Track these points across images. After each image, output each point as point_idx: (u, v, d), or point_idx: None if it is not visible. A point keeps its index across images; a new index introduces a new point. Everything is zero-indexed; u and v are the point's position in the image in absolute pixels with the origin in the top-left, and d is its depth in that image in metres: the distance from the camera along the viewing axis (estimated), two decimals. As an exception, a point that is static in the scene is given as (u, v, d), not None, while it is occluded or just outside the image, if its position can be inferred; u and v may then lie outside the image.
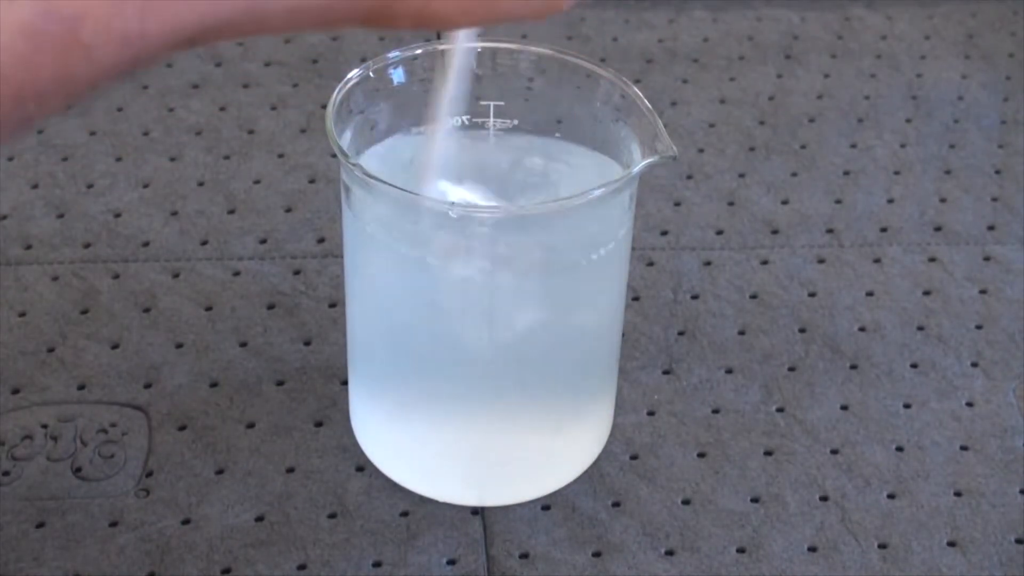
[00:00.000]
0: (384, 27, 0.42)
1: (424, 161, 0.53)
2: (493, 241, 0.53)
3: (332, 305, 0.69)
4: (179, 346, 0.67)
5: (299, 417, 0.64)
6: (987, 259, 0.74)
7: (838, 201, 0.77)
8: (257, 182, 0.77)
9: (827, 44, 0.89)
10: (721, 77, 0.86)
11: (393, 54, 0.58)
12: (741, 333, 0.69)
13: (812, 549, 0.59)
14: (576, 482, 0.61)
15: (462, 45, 0.52)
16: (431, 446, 0.60)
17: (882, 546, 0.60)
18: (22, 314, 0.68)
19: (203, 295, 0.69)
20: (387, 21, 0.42)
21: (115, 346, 0.67)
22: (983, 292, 0.72)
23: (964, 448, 0.64)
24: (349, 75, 0.57)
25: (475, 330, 0.56)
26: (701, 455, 0.63)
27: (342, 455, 0.62)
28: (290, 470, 0.61)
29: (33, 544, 0.58)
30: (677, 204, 0.76)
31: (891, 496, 0.62)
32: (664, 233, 0.74)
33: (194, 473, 0.61)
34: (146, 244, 0.72)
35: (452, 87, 0.53)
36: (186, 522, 0.59)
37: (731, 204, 0.77)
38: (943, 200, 0.78)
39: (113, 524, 0.59)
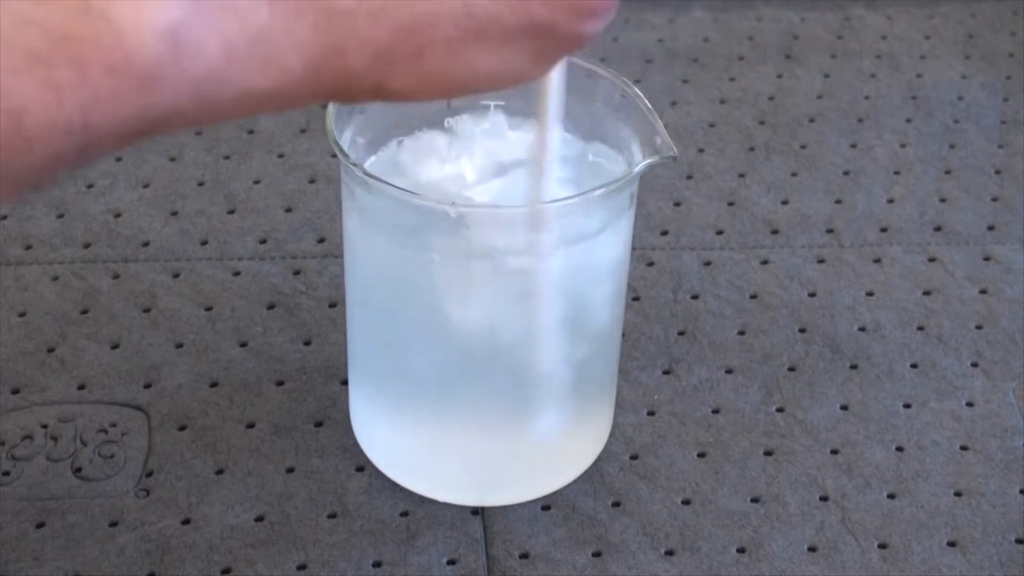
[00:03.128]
0: (341, 101, 0.42)
1: (537, 176, 0.53)
2: (493, 241, 0.53)
3: (332, 305, 0.69)
4: (179, 346, 0.67)
5: (299, 417, 0.64)
6: (987, 259, 0.74)
7: (838, 201, 0.77)
8: (257, 182, 0.77)
9: (827, 44, 0.89)
10: (721, 77, 0.86)
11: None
12: (741, 333, 0.69)
13: (812, 549, 0.59)
14: (576, 482, 0.61)
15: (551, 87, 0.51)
16: (431, 446, 0.60)
17: (882, 546, 0.60)
18: (22, 314, 0.68)
19: (203, 295, 0.69)
20: (344, 96, 0.42)
21: (115, 346, 0.67)
22: (983, 292, 0.72)
23: (964, 448, 0.64)
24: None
25: (475, 330, 0.56)
26: (701, 455, 0.63)
27: (342, 455, 0.62)
28: (290, 470, 0.61)
29: (33, 544, 0.58)
30: (677, 204, 0.76)
31: (891, 496, 0.62)
32: (664, 233, 0.74)
33: (194, 473, 0.61)
34: (146, 244, 0.72)
35: (553, 109, 0.52)
36: (186, 522, 0.59)
37: (731, 204, 0.77)
38: (943, 200, 0.78)
39: (113, 524, 0.59)
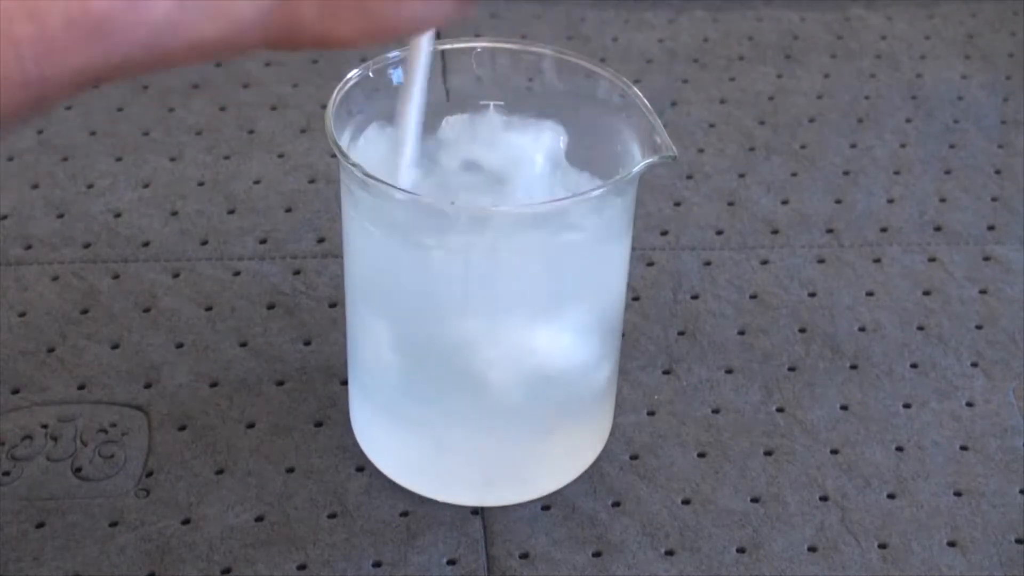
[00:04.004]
0: (286, 49, 0.43)
1: (399, 157, 0.54)
2: (493, 240, 0.53)
3: (332, 305, 0.69)
4: (179, 346, 0.67)
5: (299, 417, 0.64)
6: (987, 259, 0.74)
7: (838, 201, 0.77)
8: (257, 182, 0.77)
9: (827, 44, 0.89)
10: (721, 77, 0.86)
11: (393, 54, 0.58)
12: (741, 333, 0.69)
13: (812, 549, 0.59)
14: (576, 482, 0.61)
15: (421, 48, 0.53)
16: (431, 446, 0.60)
17: (882, 546, 0.60)
18: (22, 314, 0.68)
19: (203, 295, 0.69)
20: (290, 45, 0.43)
21: (115, 346, 0.67)
22: (983, 292, 0.72)
23: (964, 448, 0.64)
24: (349, 75, 0.57)
25: (475, 329, 0.56)
26: (701, 455, 0.63)
27: (342, 455, 0.62)
28: (290, 470, 0.61)
29: (33, 544, 0.58)
30: (677, 204, 0.76)
31: (891, 496, 0.62)
32: (664, 233, 0.74)
33: (194, 473, 0.61)
34: (146, 244, 0.72)
35: (417, 86, 0.53)
36: (186, 522, 0.59)
37: (731, 204, 0.77)
38: (943, 200, 0.78)
39: (113, 524, 0.59)
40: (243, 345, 0.67)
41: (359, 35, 0.44)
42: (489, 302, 0.55)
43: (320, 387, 0.65)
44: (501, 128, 0.58)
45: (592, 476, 0.62)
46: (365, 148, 0.56)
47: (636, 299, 0.70)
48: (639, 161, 0.55)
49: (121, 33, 0.37)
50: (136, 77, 0.44)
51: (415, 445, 0.60)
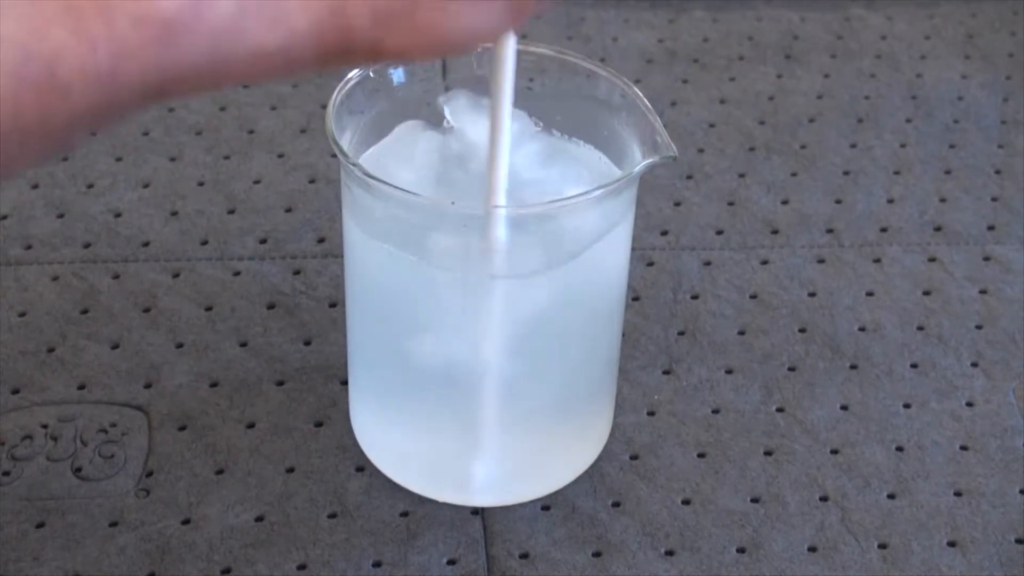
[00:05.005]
0: (341, 65, 0.44)
1: (493, 176, 0.53)
2: (492, 240, 0.53)
3: (332, 305, 0.69)
4: (179, 346, 0.67)
5: (299, 417, 0.64)
6: (987, 259, 0.74)
7: (838, 201, 0.77)
8: (257, 182, 0.77)
9: (827, 44, 0.89)
10: (721, 77, 0.86)
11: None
12: (741, 333, 0.69)
13: (812, 549, 0.59)
14: (576, 482, 0.61)
15: (505, 53, 0.52)
16: (431, 446, 0.60)
17: (882, 546, 0.60)
18: (22, 314, 0.68)
19: (203, 295, 0.69)
20: (344, 58, 0.44)
21: (115, 346, 0.67)
22: (983, 292, 0.72)
23: (964, 448, 0.64)
24: (349, 75, 0.57)
25: (475, 330, 0.56)
26: (701, 455, 0.63)
27: (342, 455, 0.62)
28: (290, 470, 0.61)
29: (33, 544, 0.58)
30: (677, 204, 0.76)
31: (891, 496, 0.62)
32: (664, 233, 0.74)
33: (194, 473, 0.61)
34: (146, 244, 0.72)
35: (505, 93, 0.53)
36: (186, 522, 0.59)
37: (731, 204, 0.77)
38: (943, 200, 0.78)
39: (113, 524, 0.59)
40: (243, 345, 0.67)
41: (410, 47, 0.44)
42: (488, 302, 0.55)
43: (320, 387, 0.65)
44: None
45: (592, 476, 0.62)
46: (395, 147, 0.57)
47: (636, 299, 0.70)
48: (639, 161, 0.55)
49: (185, 36, 0.39)
50: (200, 92, 0.44)
51: (415, 445, 0.60)
